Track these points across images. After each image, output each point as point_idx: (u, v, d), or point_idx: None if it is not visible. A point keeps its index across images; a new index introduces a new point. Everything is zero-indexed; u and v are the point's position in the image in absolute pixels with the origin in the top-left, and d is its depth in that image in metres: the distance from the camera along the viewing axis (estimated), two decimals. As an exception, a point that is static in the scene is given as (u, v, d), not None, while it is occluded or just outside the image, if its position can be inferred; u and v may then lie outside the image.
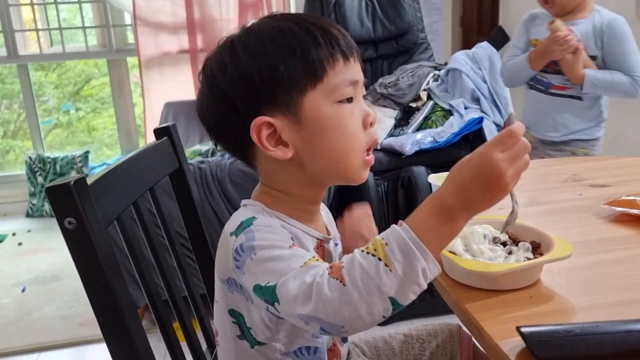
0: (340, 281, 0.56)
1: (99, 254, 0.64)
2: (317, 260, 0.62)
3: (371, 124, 0.71)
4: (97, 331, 0.67)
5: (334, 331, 0.59)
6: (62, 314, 2.22)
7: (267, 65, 0.66)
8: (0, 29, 3.28)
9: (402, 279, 0.55)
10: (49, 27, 3.49)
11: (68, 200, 0.63)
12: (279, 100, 0.67)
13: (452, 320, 0.96)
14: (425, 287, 0.58)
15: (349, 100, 0.69)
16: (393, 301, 0.56)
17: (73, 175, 3.31)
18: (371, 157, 0.72)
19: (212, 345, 1.02)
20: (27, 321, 2.19)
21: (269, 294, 0.60)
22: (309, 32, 0.67)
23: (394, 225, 0.59)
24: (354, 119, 0.69)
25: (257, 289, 0.62)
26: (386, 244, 0.57)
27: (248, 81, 0.67)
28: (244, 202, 0.75)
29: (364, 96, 0.73)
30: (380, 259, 0.56)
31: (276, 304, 0.60)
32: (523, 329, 0.59)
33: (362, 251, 0.58)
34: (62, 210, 0.63)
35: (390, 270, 0.55)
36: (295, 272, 0.60)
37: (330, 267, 0.59)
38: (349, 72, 0.69)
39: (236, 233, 0.67)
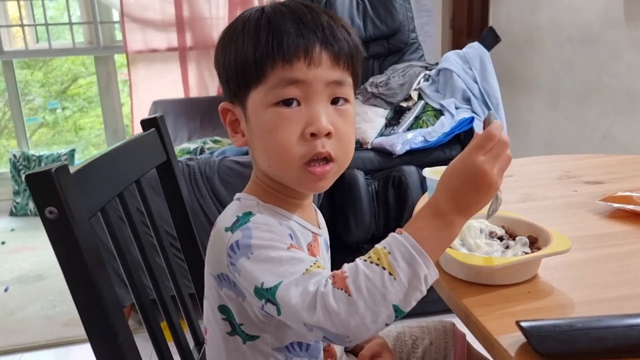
0: (346, 291, 0.56)
1: (82, 245, 0.61)
2: (318, 266, 0.61)
3: (312, 134, 0.64)
4: (81, 331, 0.64)
5: (338, 341, 0.58)
6: (46, 313, 2.17)
7: (225, 58, 0.69)
8: (-15, 25, 3.23)
9: (406, 287, 0.56)
10: (35, 23, 3.44)
11: (49, 188, 0.60)
12: (237, 92, 0.69)
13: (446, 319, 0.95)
14: (425, 292, 0.58)
15: (289, 102, 0.64)
16: (396, 308, 0.56)
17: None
18: (318, 169, 0.65)
19: (199, 343, 0.99)
20: (10, 321, 2.13)
21: (270, 296, 0.59)
22: (257, 30, 0.65)
23: (393, 234, 0.59)
24: (290, 125, 0.64)
25: (256, 290, 0.60)
26: (389, 252, 0.57)
27: (218, 69, 0.71)
28: (237, 195, 0.73)
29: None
30: (384, 268, 0.57)
31: (278, 307, 0.59)
32: (523, 324, 0.57)
33: (365, 260, 0.58)
34: (43, 199, 0.60)
35: (395, 279, 0.56)
36: (297, 279, 0.59)
37: (333, 276, 0.58)
38: (290, 72, 0.64)
39: (232, 229, 0.65)
